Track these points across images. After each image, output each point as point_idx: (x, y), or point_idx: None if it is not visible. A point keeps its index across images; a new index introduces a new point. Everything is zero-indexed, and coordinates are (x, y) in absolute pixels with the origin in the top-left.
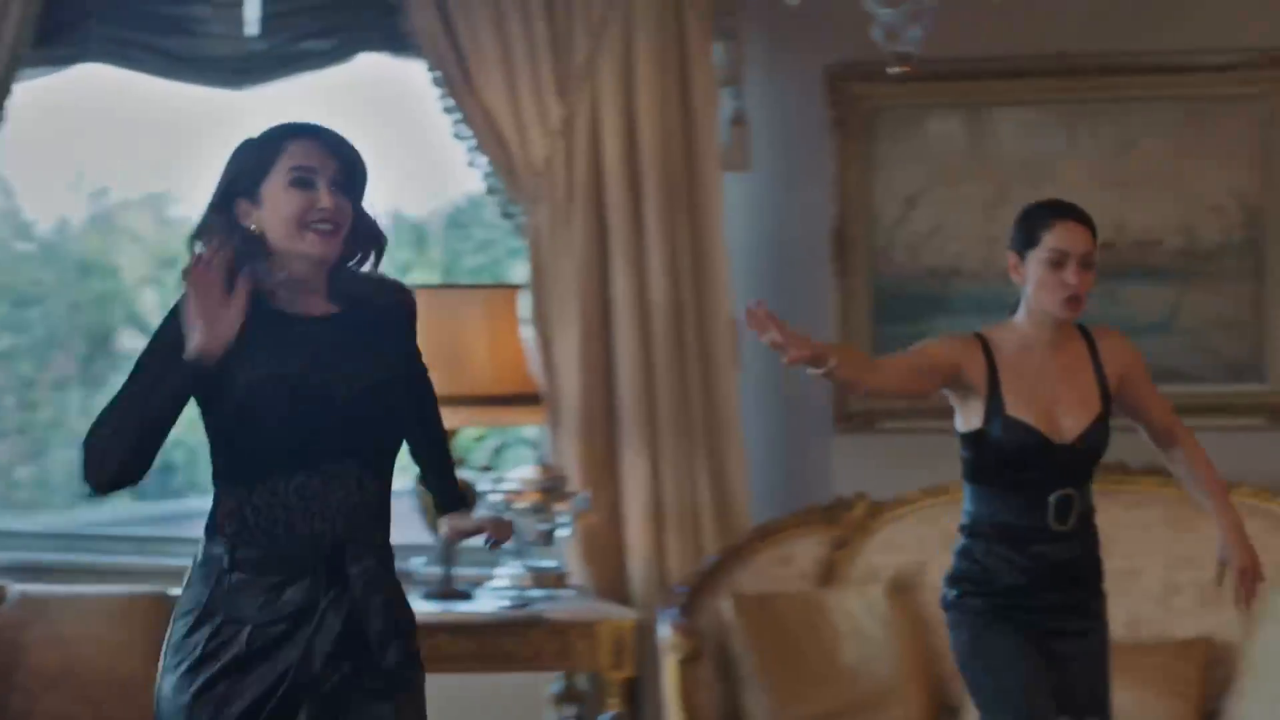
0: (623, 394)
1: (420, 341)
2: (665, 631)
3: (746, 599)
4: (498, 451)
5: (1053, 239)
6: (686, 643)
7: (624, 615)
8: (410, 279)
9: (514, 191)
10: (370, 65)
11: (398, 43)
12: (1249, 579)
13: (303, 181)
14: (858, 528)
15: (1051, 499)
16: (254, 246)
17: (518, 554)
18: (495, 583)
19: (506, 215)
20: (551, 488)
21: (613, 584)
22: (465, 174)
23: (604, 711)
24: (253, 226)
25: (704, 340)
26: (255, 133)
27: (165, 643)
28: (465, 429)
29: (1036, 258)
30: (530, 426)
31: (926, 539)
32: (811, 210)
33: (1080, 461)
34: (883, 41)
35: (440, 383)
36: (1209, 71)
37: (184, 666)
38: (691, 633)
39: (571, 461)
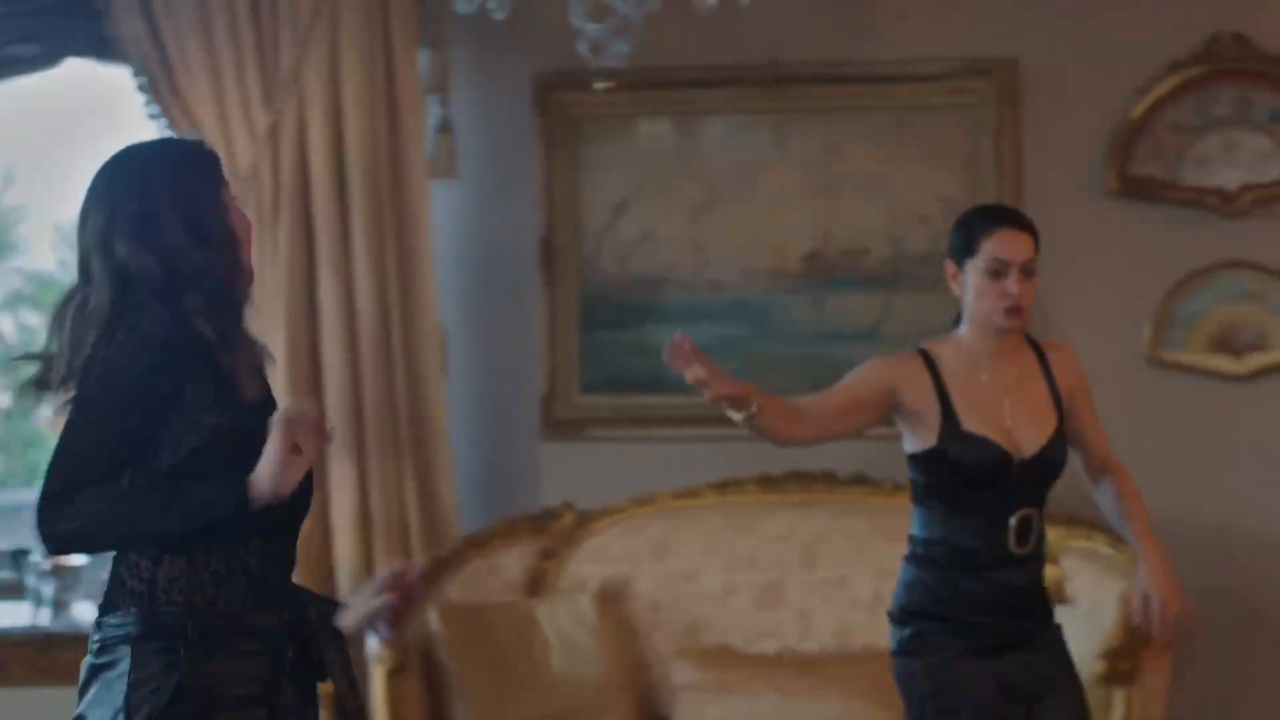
0: (329, 402)
1: None
2: (372, 643)
3: (453, 609)
4: None
5: (992, 247)
6: (393, 654)
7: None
8: None
9: None
10: (78, 71)
11: (104, 48)
12: (1166, 614)
13: None
14: (565, 537)
15: (1013, 520)
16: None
17: None
18: None
19: None
20: None
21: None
22: None
23: None
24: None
25: (411, 349)
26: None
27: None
28: None
29: (975, 267)
30: None
31: (633, 549)
32: (519, 219)
33: (1039, 478)
34: (589, 55)
35: None
36: (917, 81)
37: None
38: (398, 644)
39: None
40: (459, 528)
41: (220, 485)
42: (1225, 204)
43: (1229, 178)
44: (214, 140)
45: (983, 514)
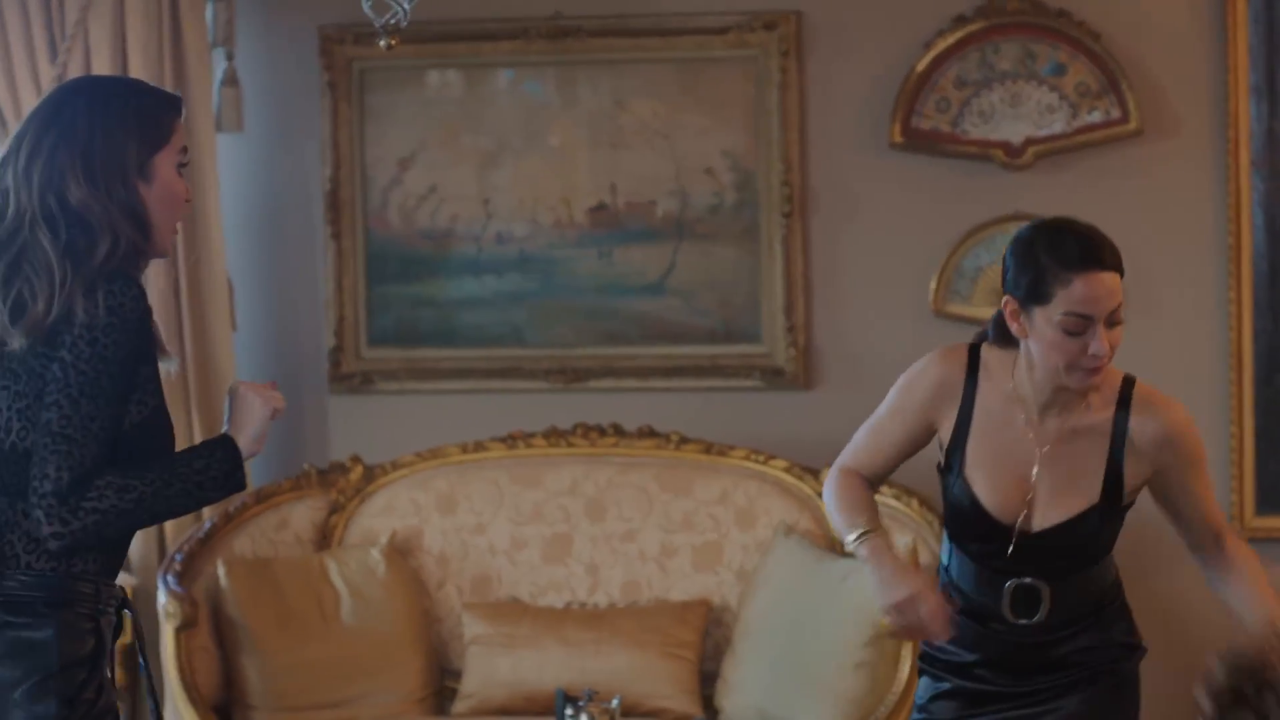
0: None
1: None
2: (162, 598)
3: (241, 563)
4: None
5: (1073, 300)
6: (182, 610)
7: (121, 581)
8: None
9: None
10: None
11: None
12: None
13: None
14: (353, 491)
15: (1008, 586)
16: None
17: None
18: None
19: None
20: None
21: None
22: None
23: None
24: None
25: (199, 301)
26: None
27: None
28: None
29: (1048, 317)
30: None
31: (422, 502)
32: (306, 171)
33: (1049, 554)
34: (372, 14)
35: None
36: (703, 34)
37: None
38: (186, 599)
39: None
40: (249, 482)
41: (209, 450)
42: (1009, 157)
43: (1013, 131)
44: None
45: (981, 565)
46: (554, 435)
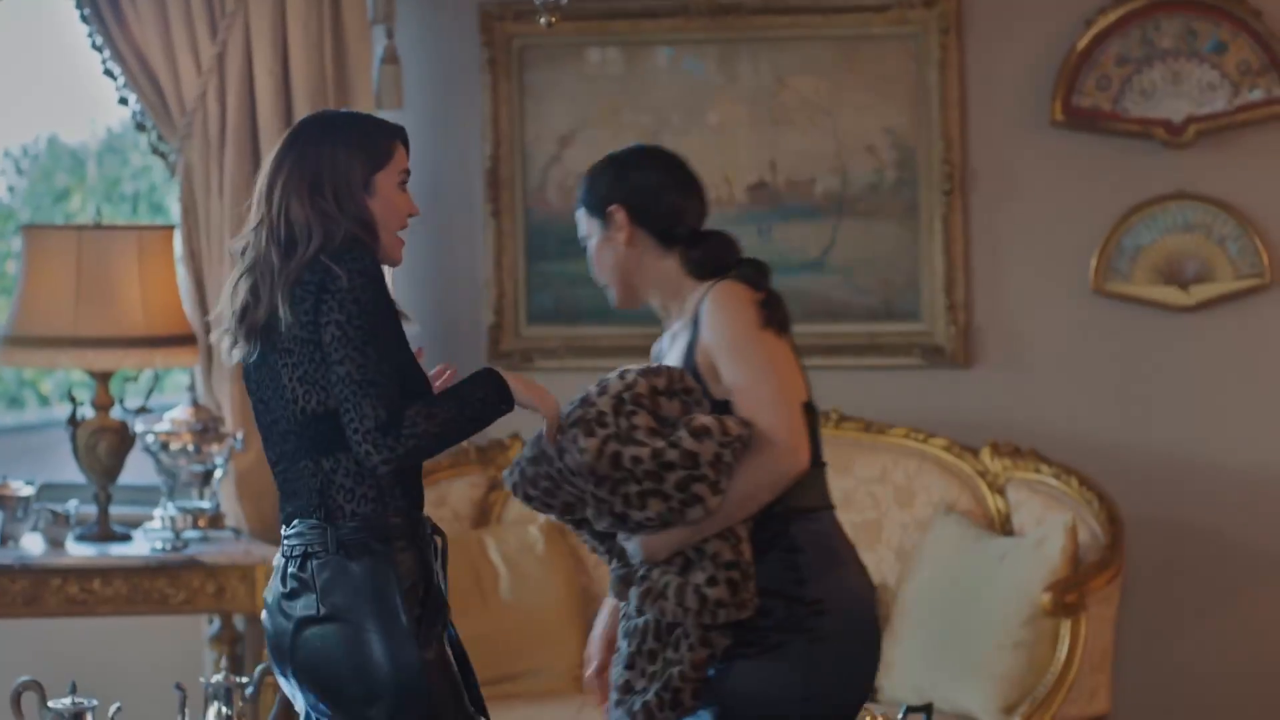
0: None
1: (72, 282)
2: None
3: None
4: (150, 393)
5: None
6: None
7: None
8: (69, 206)
9: (165, 129)
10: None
11: None
12: None
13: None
14: None
15: None
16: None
17: (172, 495)
18: (151, 524)
19: (158, 153)
20: (205, 429)
21: (267, 525)
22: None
23: (262, 656)
24: None
25: None
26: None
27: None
28: (120, 370)
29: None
30: (184, 368)
31: None
32: (465, 149)
33: None
34: None
35: (93, 324)
36: (863, 12)
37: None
38: None
39: (225, 402)
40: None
41: (483, 379)
42: (1171, 135)
43: (1174, 109)
44: (159, 71)
45: None
46: None
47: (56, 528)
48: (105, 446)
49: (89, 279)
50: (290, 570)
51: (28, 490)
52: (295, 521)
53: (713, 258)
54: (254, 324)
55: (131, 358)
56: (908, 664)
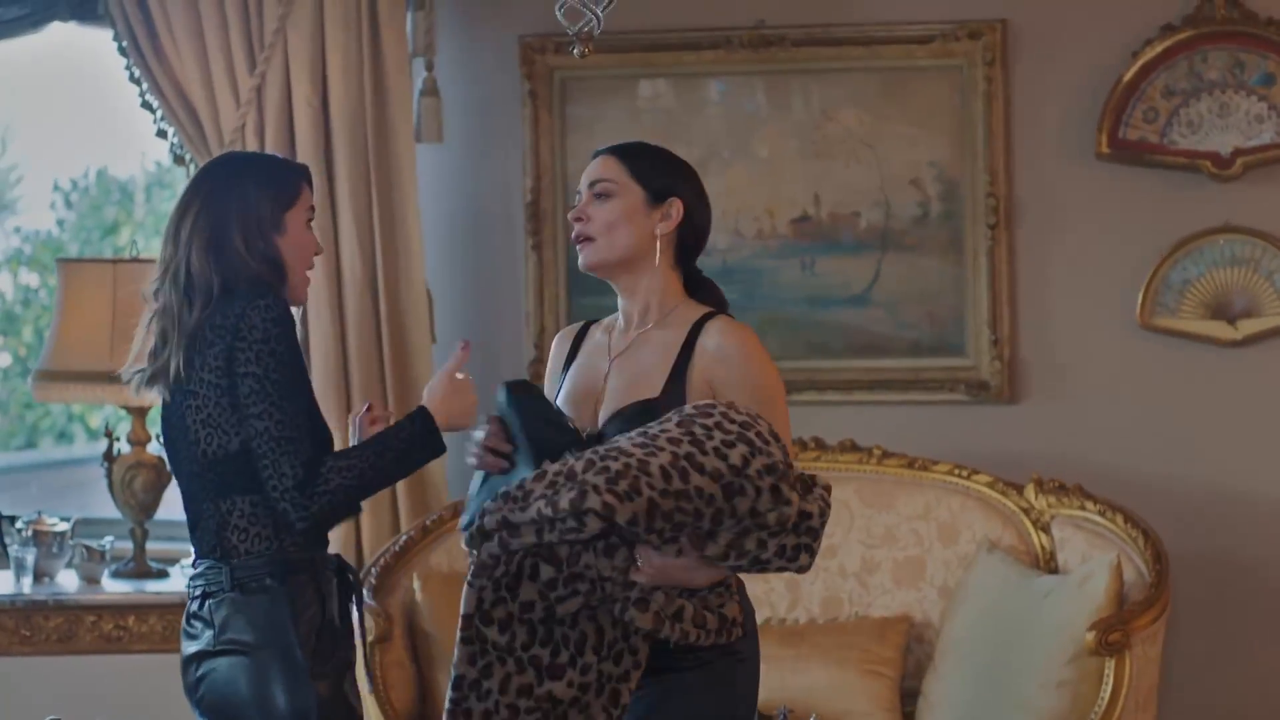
0: (315, 368)
1: (107, 316)
2: (356, 613)
3: (436, 576)
4: None
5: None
6: (377, 624)
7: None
8: (118, 240)
9: (204, 161)
10: (63, 35)
11: (89, 12)
12: None
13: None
14: None
15: None
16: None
17: None
18: (187, 561)
19: None
20: None
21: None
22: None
23: None
24: None
25: (398, 313)
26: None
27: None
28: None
29: None
30: None
31: None
32: (506, 181)
33: None
34: (564, 21)
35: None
36: (907, 44)
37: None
38: (381, 614)
39: None
40: (448, 493)
41: (409, 420)
42: (1218, 168)
43: (1221, 141)
44: (198, 104)
45: None
46: None
47: (92, 564)
48: (141, 482)
49: (124, 312)
50: (191, 609)
51: (63, 526)
52: (197, 562)
53: (712, 291)
54: (162, 368)
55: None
56: (950, 702)
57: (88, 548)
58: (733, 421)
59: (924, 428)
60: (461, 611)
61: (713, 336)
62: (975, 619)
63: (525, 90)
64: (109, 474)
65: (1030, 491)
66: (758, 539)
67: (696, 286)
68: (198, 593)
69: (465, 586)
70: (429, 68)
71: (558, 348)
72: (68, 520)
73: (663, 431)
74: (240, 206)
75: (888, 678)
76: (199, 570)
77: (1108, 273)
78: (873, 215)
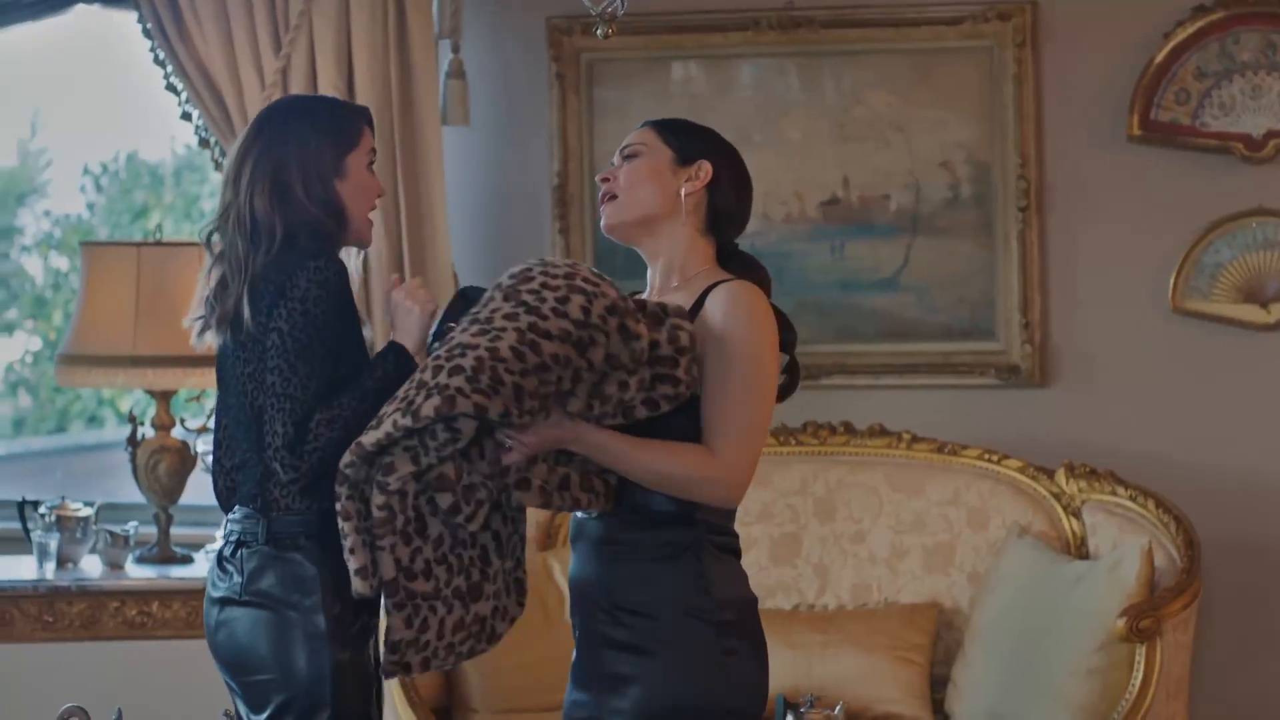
0: None
1: (131, 300)
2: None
3: None
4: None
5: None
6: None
7: None
8: (147, 223)
9: (229, 144)
10: (88, 15)
11: None
12: None
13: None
14: None
15: None
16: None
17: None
18: (212, 546)
19: (221, 168)
20: None
21: None
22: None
23: None
24: None
25: None
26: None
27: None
28: (181, 390)
29: None
30: None
31: None
32: (533, 164)
33: None
34: (588, 2)
35: (151, 342)
36: (936, 25)
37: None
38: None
39: None
40: None
41: (382, 359)
42: (1250, 150)
43: (1254, 124)
44: (223, 86)
45: None
46: (783, 433)
47: (116, 549)
48: (166, 467)
49: (148, 296)
50: (224, 553)
51: (87, 511)
52: (236, 508)
53: (748, 263)
54: (224, 314)
55: (191, 377)
56: (980, 688)
57: (111, 533)
58: (555, 276)
59: (954, 412)
60: (384, 577)
61: (718, 295)
62: (1005, 605)
63: (552, 73)
64: (133, 459)
65: (1061, 476)
66: (618, 381)
67: (730, 260)
68: (233, 538)
69: (374, 551)
70: (455, 50)
71: None
72: (91, 505)
73: (495, 312)
74: (300, 150)
75: (917, 664)
76: (237, 517)
77: (1139, 256)
78: (903, 198)
